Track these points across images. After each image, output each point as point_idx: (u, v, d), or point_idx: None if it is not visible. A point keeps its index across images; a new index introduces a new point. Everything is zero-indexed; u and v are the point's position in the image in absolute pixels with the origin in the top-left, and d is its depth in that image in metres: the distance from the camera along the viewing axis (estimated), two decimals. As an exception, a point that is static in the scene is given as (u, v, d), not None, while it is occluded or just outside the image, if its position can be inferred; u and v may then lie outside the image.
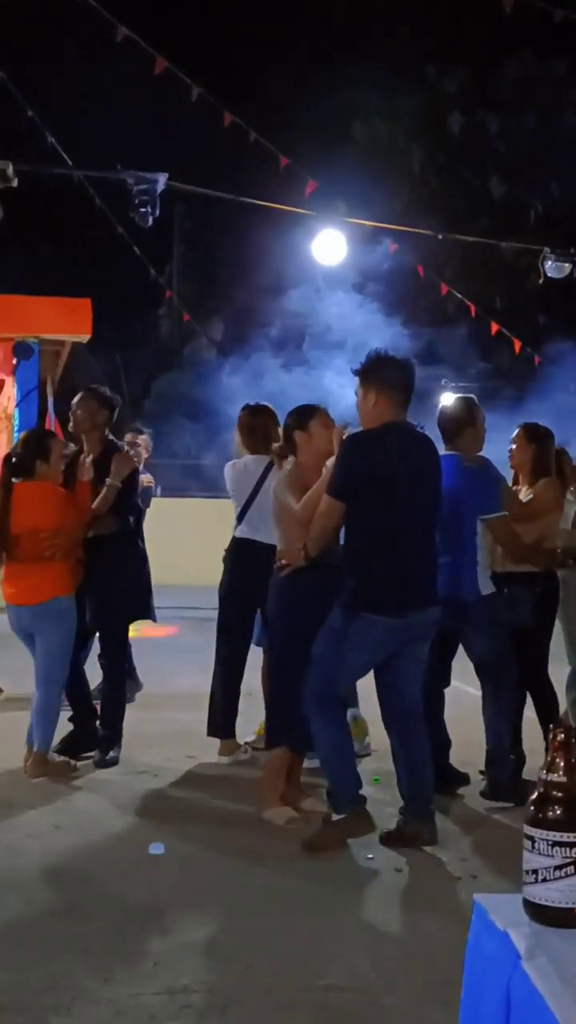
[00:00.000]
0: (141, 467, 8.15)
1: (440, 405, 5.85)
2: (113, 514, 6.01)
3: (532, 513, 5.81)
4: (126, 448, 6.28)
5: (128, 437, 8.25)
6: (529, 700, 5.97)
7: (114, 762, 6.02)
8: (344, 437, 4.87)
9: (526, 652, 5.77)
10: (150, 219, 8.78)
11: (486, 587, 5.53)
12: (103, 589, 6.05)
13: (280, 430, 5.57)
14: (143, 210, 8.87)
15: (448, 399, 21.62)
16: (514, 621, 5.70)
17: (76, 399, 6.36)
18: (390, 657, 4.81)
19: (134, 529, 6.29)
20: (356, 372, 4.85)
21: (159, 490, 8.31)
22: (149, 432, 8.85)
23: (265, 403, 6.39)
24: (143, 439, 8.30)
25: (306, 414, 5.28)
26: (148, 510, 8.15)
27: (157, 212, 8.93)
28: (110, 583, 6.06)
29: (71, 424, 6.37)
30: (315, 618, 4.84)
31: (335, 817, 4.77)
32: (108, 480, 6.00)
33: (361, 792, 4.80)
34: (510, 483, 5.98)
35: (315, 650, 4.78)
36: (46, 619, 5.79)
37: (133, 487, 6.19)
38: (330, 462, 4.91)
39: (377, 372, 4.80)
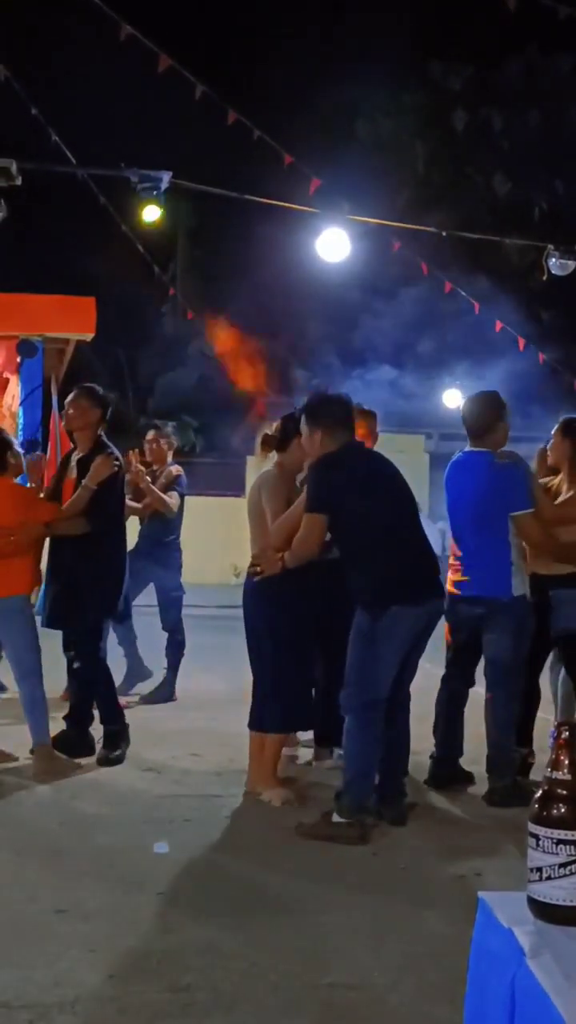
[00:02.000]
0: (170, 461, 8.13)
1: (461, 402, 5.75)
2: (83, 516, 5.96)
3: (570, 515, 5.59)
4: (111, 450, 6.16)
5: (149, 436, 8.22)
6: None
7: (119, 760, 6.02)
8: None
9: (572, 656, 5.71)
10: (154, 217, 8.78)
11: (519, 588, 5.43)
12: (68, 587, 6.06)
13: (276, 424, 5.55)
14: (146, 208, 8.88)
15: (453, 397, 21.55)
16: (559, 624, 5.63)
17: (69, 397, 6.33)
18: (413, 644, 5.01)
19: (111, 531, 6.13)
20: (301, 412, 5.14)
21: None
22: (174, 425, 8.78)
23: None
24: (165, 434, 8.25)
25: None
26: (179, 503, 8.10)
27: (161, 210, 8.92)
28: (75, 584, 6.05)
29: (63, 423, 6.34)
30: (291, 614, 5.17)
31: (335, 817, 4.81)
32: (84, 482, 5.99)
33: (367, 805, 4.88)
34: (553, 480, 5.86)
35: (351, 663, 4.92)
36: (2, 617, 5.84)
37: (109, 490, 6.03)
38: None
39: (319, 411, 5.09)
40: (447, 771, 5.69)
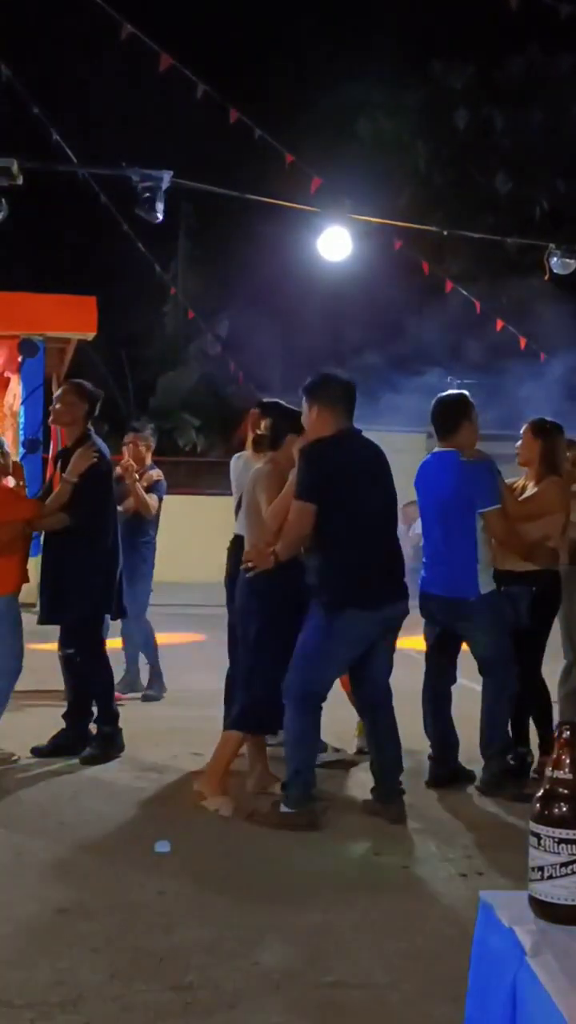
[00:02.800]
0: (149, 463, 8.17)
1: (435, 406, 5.81)
2: (64, 510, 5.95)
3: (532, 512, 5.73)
4: (93, 442, 6.09)
5: (127, 438, 8.25)
6: None
7: (101, 759, 5.96)
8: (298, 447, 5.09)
9: (522, 652, 5.76)
10: (156, 216, 8.78)
11: (486, 585, 5.49)
12: (55, 583, 6.04)
13: (265, 423, 5.56)
14: (148, 207, 8.88)
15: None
16: (512, 621, 5.68)
17: (56, 393, 6.34)
18: (367, 648, 5.04)
19: (95, 525, 6.06)
20: (303, 389, 5.13)
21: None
22: (151, 427, 8.82)
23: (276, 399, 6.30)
24: (143, 436, 8.29)
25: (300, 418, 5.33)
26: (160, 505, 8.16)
27: (162, 209, 8.92)
28: (60, 578, 6.03)
29: (50, 418, 6.35)
30: (285, 615, 5.11)
31: (283, 807, 4.90)
32: (64, 475, 5.99)
33: (313, 793, 4.99)
34: (520, 480, 5.97)
35: (299, 650, 4.97)
36: None
37: (92, 484, 5.98)
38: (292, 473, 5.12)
39: (319, 389, 5.10)
40: (446, 770, 5.72)
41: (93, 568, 6.07)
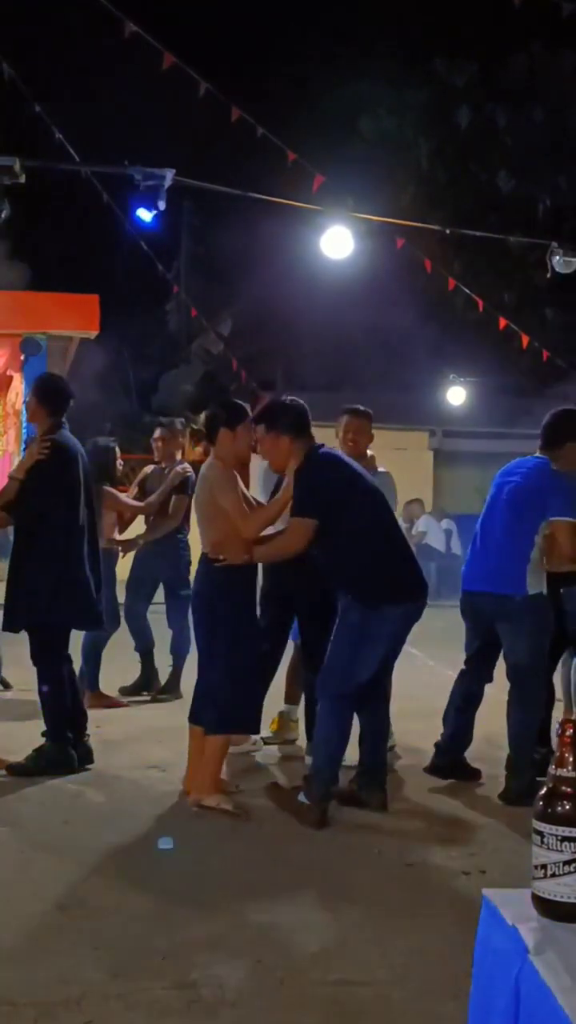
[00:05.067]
0: (179, 459, 8.09)
1: (464, 399, 5.80)
2: (7, 509, 5.72)
3: None
4: (50, 438, 5.81)
5: (156, 434, 8.15)
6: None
7: (25, 771, 5.60)
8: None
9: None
10: (156, 213, 8.79)
11: (534, 586, 5.44)
12: (8, 587, 5.72)
13: (204, 416, 5.51)
14: (148, 206, 8.89)
15: (457, 394, 21.37)
16: (571, 620, 5.66)
17: (29, 390, 6.27)
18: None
19: (41, 524, 5.69)
20: (258, 421, 5.18)
21: None
22: (181, 422, 8.64)
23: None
24: (173, 429, 8.17)
25: (239, 414, 5.27)
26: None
27: (163, 207, 8.92)
28: (9, 582, 5.72)
29: (25, 415, 6.25)
30: (240, 610, 5.15)
31: (301, 796, 4.98)
32: (11, 472, 5.87)
33: (332, 791, 5.03)
34: None
35: (333, 651, 5.02)
36: None
37: (36, 480, 5.65)
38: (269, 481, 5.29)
39: (282, 418, 5.14)
40: (447, 761, 5.76)
41: (38, 570, 5.64)
